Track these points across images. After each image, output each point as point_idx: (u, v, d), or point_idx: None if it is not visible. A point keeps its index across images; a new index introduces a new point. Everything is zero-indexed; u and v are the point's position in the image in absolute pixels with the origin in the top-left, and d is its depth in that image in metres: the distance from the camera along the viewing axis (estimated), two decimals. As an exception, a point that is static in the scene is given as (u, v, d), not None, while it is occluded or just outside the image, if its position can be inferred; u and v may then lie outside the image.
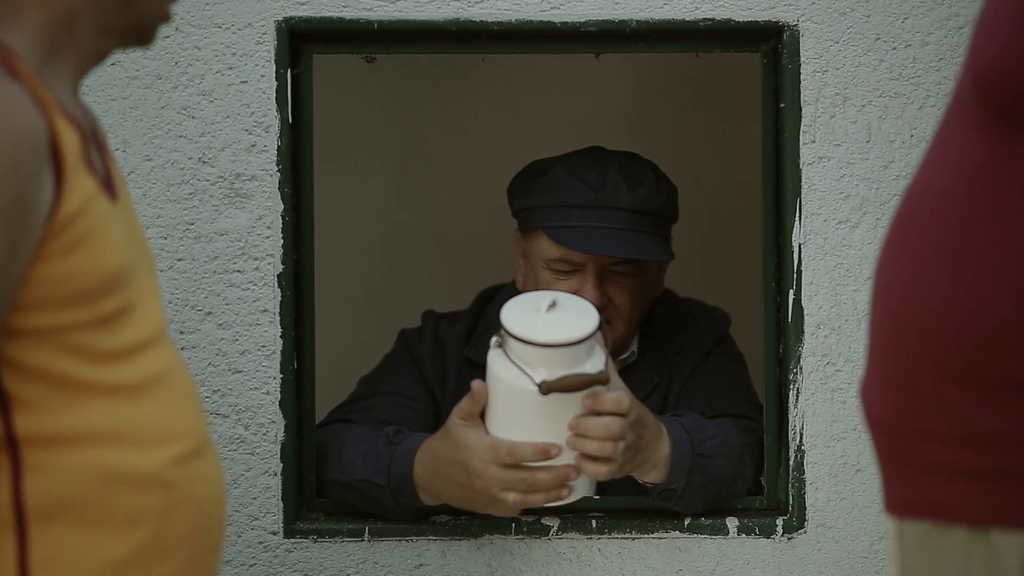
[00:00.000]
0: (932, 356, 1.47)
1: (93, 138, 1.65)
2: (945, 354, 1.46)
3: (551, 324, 2.24)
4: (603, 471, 2.26)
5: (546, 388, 2.20)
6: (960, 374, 1.46)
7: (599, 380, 2.22)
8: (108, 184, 1.63)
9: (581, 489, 2.29)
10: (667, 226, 2.68)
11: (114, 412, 1.57)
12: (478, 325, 2.76)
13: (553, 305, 2.25)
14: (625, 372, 2.65)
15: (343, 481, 2.46)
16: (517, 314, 2.27)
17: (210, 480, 1.65)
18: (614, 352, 2.62)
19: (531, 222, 2.66)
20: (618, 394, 2.26)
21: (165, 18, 1.68)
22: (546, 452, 2.24)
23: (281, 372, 2.42)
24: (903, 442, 1.50)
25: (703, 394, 2.58)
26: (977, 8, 1.54)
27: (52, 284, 1.54)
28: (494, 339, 2.28)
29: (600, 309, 2.48)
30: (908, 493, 1.50)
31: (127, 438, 1.58)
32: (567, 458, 2.24)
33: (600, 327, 2.26)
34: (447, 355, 2.74)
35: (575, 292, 2.54)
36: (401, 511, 2.42)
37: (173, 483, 1.59)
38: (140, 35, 1.67)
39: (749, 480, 2.50)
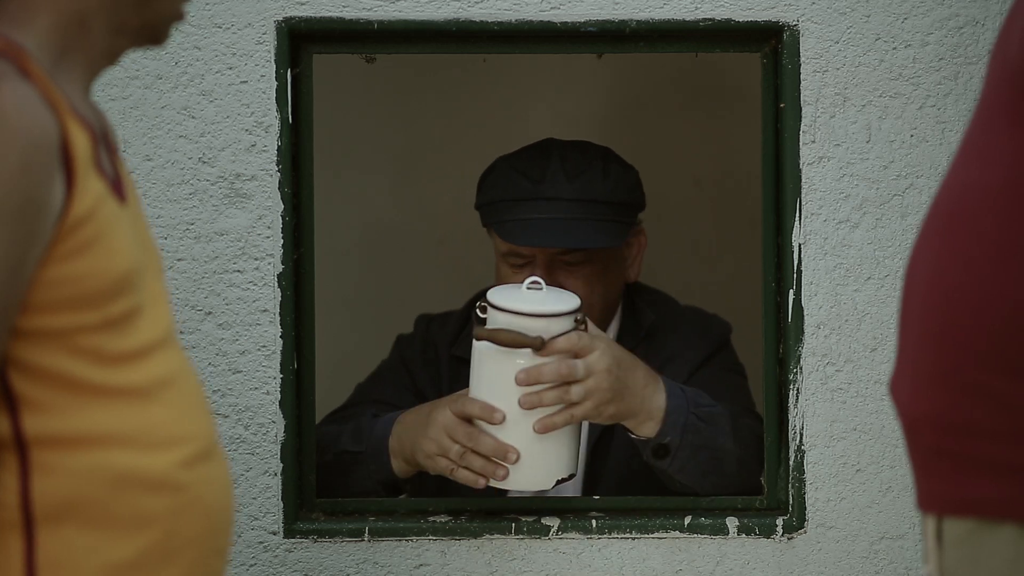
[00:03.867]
0: (983, 350, 1.45)
1: (103, 139, 1.65)
2: (997, 348, 1.44)
3: (528, 298, 2.35)
4: (566, 418, 2.33)
5: (479, 334, 2.32)
6: (1012, 368, 1.44)
7: (531, 344, 2.30)
8: (117, 186, 1.63)
9: (536, 478, 2.36)
10: (620, 212, 2.70)
11: (122, 414, 1.57)
12: (468, 324, 2.79)
13: (535, 283, 2.37)
14: None
15: (326, 460, 2.53)
16: (500, 290, 2.41)
17: (218, 483, 1.65)
18: None
19: (484, 219, 2.74)
20: (572, 335, 2.32)
21: (179, 17, 1.68)
22: (491, 412, 2.32)
23: (281, 372, 2.42)
24: (949, 438, 1.47)
25: None
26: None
27: (61, 286, 1.54)
28: (476, 311, 2.39)
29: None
30: (951, 491, 1.48)
31: (135, 440, 1.58)
32: (517, 438, 2.32)
33: (579, 310, 2.36)
34: (439, 356, 2.78)
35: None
36: (371, 481, 2.50)
37: (181, 485, 1.59)
38: (153, 35, 1.67)
39: (744, 465, 2.49)
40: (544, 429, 2.33)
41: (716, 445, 2.45)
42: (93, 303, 1.56)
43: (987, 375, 1.45)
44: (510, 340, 2.31)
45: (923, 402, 1.49)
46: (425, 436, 2.40)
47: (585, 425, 2.69)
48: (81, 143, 1.56)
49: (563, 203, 2.63)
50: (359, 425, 2.55)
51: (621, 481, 2.67)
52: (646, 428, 2.42)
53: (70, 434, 1.55)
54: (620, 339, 2.74)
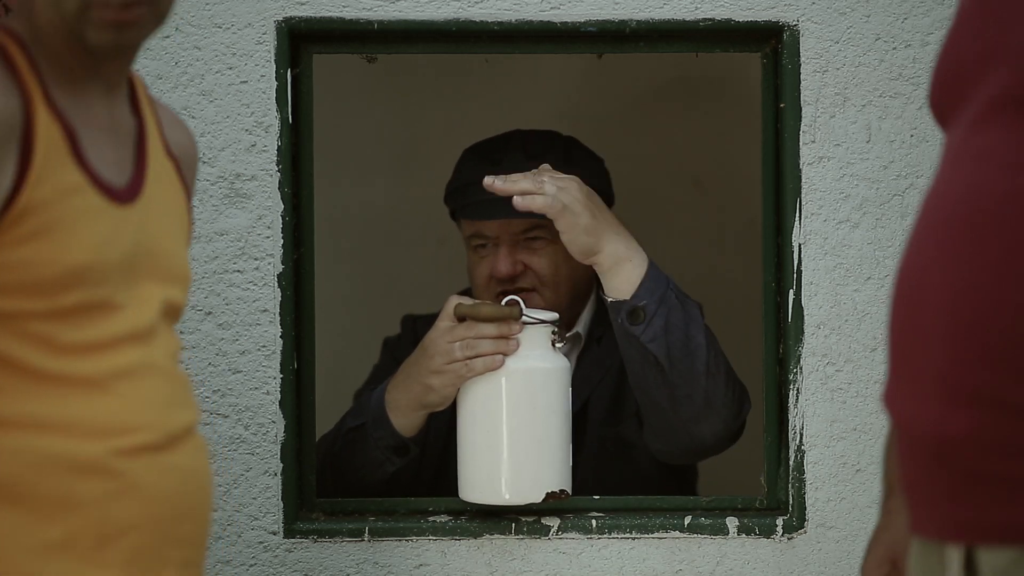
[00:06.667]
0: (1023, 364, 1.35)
1: (127, 138, 1.66)
2: None
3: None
4: (552, 203, 2.41)
5: (459, 311, 2.43)
6: None
7: (508, 315, 2.39)
8: (129, 185, 1.64)
9: (526, 490, 2.39)
10: None
11: (65, 401, 1.60)
12: None
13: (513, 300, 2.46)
14: (580, 355, 2.76)
15: (336, 448, 2.56)
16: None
17: (176, 473, 1.66)
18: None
19: (451, 207, 2.81)
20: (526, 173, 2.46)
21: (88, 6, 1.64)
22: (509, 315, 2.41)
23: (281, 372, 2.41)
24: (990, 461, 1.36)
25: None
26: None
27: (9, 270, 1.56)
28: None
29: (518, 276, 2.69)
30: (992, 517, 1.37)
31: (74, 427, 1.60)
32: (507, 451, 2.37)
33: (554, 324, 2.43)
34: None
35: (493, 267, 2.71)
36: (380, 450, 2.51)
37: (117, 472, 1.61)
38: (77, 35, 1.65)
39: (713, 377, 2.48)
40: (522, 207, 2.40)
41: (690, 334, 2.47)
42: (41, 290, 1.58)
43: None
44: (490, 312, 2.40)
45: (958, 423, 1.37)
46: (427, 358, 2.44)
47: None
48: (48, 132, 1.57)
49: None
50: (358, 404, 2.60)
51: (623, 482, 2.68)
52: (622, 272, 2.45)
53: (6, 416, 1.58)
54: (593, 326, 2.77)
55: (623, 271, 2.46)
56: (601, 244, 2.45)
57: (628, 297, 2.46)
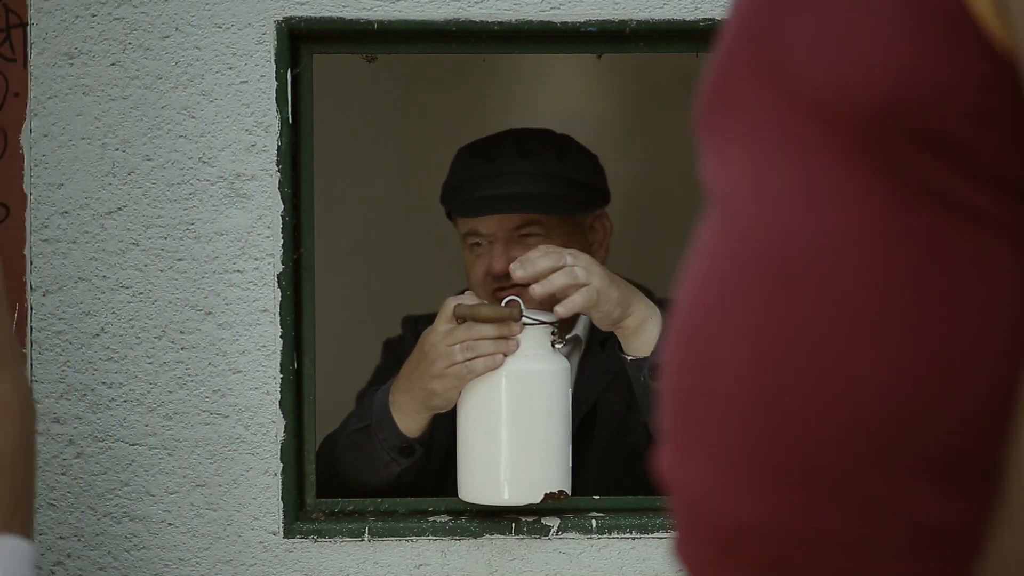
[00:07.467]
0: (854, 446, 1.12)
1: None
2: (880, 444, 1.11)
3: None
4: (585, 297, 2.36)
5: (458, 312, 2.41)
6: (902, 463, 1.12)
7: (508, 316, 2.38)
8: None
9: (524, 491, 2.39)
10: (575, 188, 2.74)
11: None
12: None
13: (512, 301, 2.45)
14: (583, 359, 2.77)
15: (339, 448, 2.56)
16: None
17: None
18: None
19: (446, 206, 2.82)
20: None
21: None
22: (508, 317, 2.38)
23: (281, 372, 2.41)
24: (781, 547, 1.15)
25: None
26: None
27: None
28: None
29: (511, 274, 2.65)
30: None
31: None
32: (505, 451, 2.36)
33: (554, 325, 2.42)
34: None
35: (488, 264, 2.70)
36: (385, 451, 2.51)
37: None
38: None
39: None
40: (568, 311, 2.37)
41: None
42: None
43: (862, 477, 1.12)
44: (490, 313, 2.39)
45: (754, 507, 1.16)
46: (427, 362, 2.42)
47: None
48: None
49: (516, 177, 2.70)
50: (362, 405, 2.61)
51: (623, 482, 2.68)
52: (646, 332, 2.43)
53: None
54: (593, 328, 2.77)
55: (646, 331, 2.45)
56: (630, 310, 2.43)
57: (649, 354, 2.45)
